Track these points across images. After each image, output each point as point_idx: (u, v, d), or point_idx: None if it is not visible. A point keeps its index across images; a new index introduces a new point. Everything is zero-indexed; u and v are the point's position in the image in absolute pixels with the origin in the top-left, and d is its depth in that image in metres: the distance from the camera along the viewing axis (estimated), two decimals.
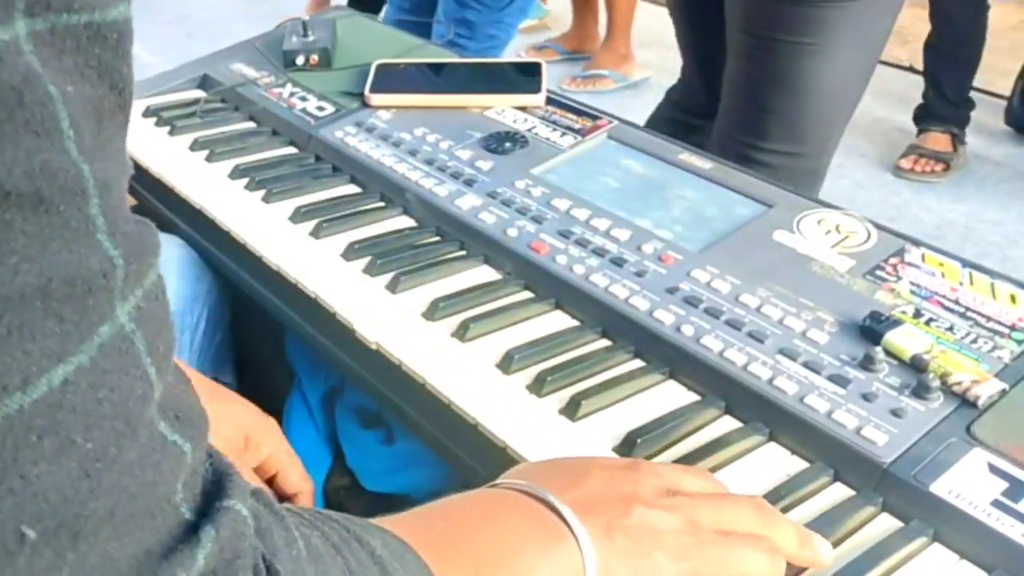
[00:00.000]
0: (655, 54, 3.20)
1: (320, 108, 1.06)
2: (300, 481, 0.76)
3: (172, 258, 0.88)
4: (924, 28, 2.66)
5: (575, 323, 0.75)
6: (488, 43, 2.14)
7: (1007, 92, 2.90)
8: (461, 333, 0.73)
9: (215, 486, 0.33)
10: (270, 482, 0.76)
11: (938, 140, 2.65)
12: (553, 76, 3.03)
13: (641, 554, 0.48)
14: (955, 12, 2.51)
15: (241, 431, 0.73)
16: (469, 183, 0.90)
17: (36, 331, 0.25)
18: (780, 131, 1.29)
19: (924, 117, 2.69)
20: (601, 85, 3.09)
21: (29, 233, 0.24)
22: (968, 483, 0.57)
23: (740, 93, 1.33)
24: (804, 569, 0.54)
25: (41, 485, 0.25)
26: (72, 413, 0.26)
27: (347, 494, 0.87)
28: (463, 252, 0.84)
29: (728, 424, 0.66)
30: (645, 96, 3.10)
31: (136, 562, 0.28)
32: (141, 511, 0.28)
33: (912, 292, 0.73)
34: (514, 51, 3.34)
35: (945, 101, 2.63)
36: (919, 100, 2.72)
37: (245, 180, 0.95)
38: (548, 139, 0.97)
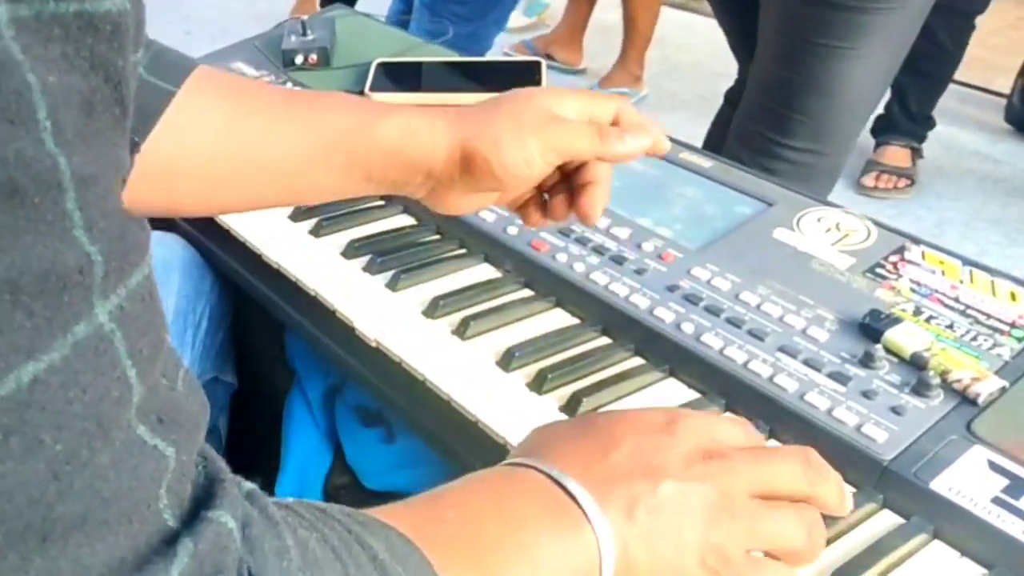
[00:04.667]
0: (656, 52, 3.20)
1: None
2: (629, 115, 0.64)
3: (174, 257, 0.88)
4: None
5: (575, 321, 0.75)
6: (437, 38, 2.13)
7: (1007, 90, 2.90)
8: (461, 331, 0.73)
9: (205, 492, 0.31)
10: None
11: (897, 154, 2.58)
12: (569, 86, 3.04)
13: (663, 535, 0.46)
14: (939, 28, 2.47)
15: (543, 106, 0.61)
16: None
17: (4, 326, 0.24)
18: (806, 131, 1.31)
19: (884, 129, 2.62)
20: None
21: (2, 224, 0.24)
22: (968, 480, 0.57)
23: (769, 92, 1.34)
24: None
25: (5, 485, 0.24)
26: (41, 412, 0.25)
27: (347, 492, 0.87)
28: (463, 250, 0.84)
29: None
30: (639, 104, 3.10)
31: (107, 570, 0.27)
32: (116, 516, 0.27)
33: (912, 290, 0.73)
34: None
35: (907, 115, 2.58)
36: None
37: None
38: None
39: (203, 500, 0.31)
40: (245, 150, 0.64)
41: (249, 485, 0.35)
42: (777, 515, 0.48)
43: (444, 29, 1.98)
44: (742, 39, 1.59)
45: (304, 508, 0.38)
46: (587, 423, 0.52)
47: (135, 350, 0.28)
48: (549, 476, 0.47)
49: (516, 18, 3.69)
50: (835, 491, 0.50)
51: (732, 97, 1.71)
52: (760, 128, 1.35)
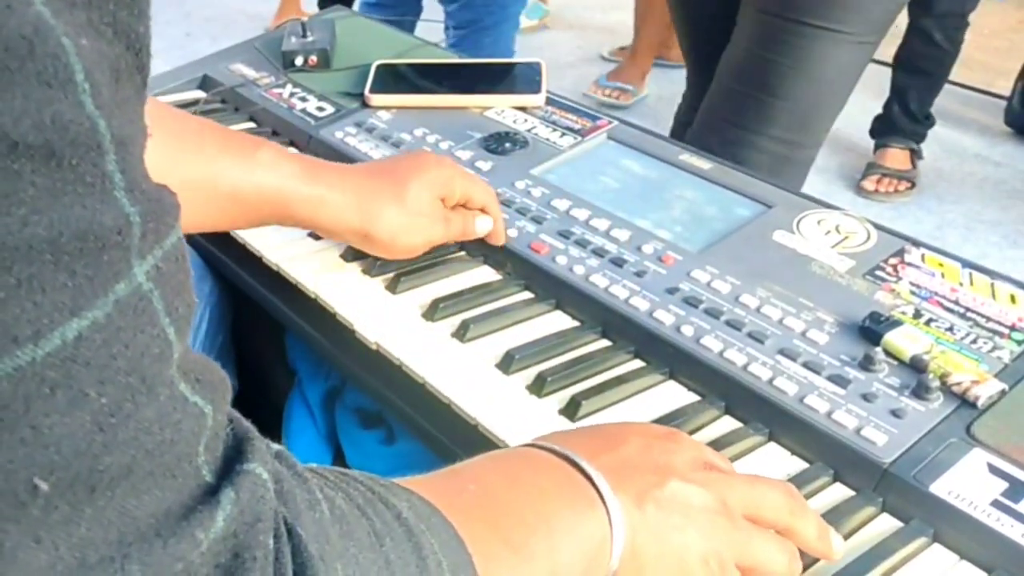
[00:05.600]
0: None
1: (320, 108, 1.06)
2: (484, 194, 0.81)
3: None
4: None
5: (575, 323, 0.75)
6: (471, 28, 2.14)
7: (1007, 92, 2.90)
8: (461, 333, 0.73)
9: (235, 450, 0.33)
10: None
11: (896, 157, 2.59)
12: (583, 77, 3.04)
13: (670, 528, 0.48)
14: (935, 30, 2.48)
15: (437, 202, 0.78)
16: None
17: (47, 284, 0.25)
18: (787, 118, 1.27)
19: (884, 131, 2.63)
20: (624, 99, 3.09)
21: (39, 185, 0.24)
22: (968, 483, 0.57)
23: (748, 78, 1.28)
24: (813, 563, 0.54)
25: (53, 437, 0.25)
26: (86, 367, 0.25)
27: None
28: (463, 252, 0.84)
29: (728, 424, 0.66)
30: (639, 104, 3.10)
31: (155, 520, 0.28)
32: (160, 469, 0.28)
33: (912, 292, 0.73)
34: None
35: (909, 115, 2.59)
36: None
37: None
38: (548, 139, 0.97)
39: (234, 456, 0.32)
40: (185, 190, 0.69)
41: (277, 446, 0.37)
42: (766, 537, 0.50)
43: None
44: (701, 62, 1.53)
45: (327, 471, 0.39)
46: (592, 426, 0.55)
47: (172, 308, 0.28)
48: (564, 457, 0.48)
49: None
50: (813, 528, 0.52)
51: (682, 118, 1.64)
52: (735, 117, 1.29)
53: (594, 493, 0.47)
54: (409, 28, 2.15)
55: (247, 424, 0.34)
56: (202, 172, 0.72)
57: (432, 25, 2.21)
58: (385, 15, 2.20)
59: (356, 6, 2.38)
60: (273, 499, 0.32)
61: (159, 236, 0.28)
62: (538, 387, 0.68)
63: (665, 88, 3.13)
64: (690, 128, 1.44)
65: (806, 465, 0.62)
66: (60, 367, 0.25)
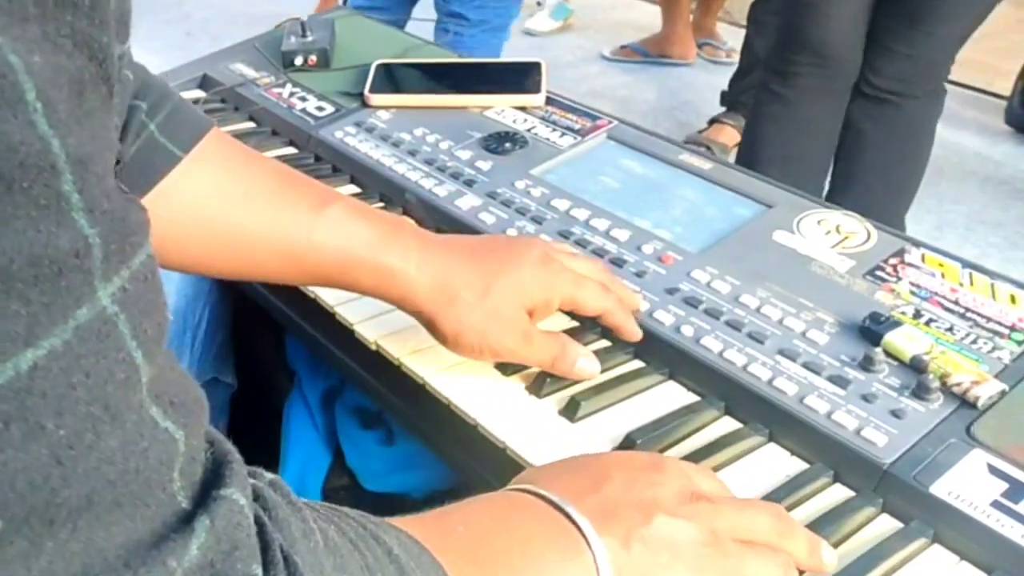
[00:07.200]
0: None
1: (320, 108, 1.06)
2: (599, 300, 0.69)
3: None
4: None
5: (574, 324, 0.75)
6: (481, 27, 2.15)
7: (1007, 92, 2.90)
8: None
9: (214, 474, 0.32)
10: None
11: (729, 133, 2.70)
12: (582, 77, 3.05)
13: (658, 567, 0.48)
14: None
15: (522, 310, 0.66)
16: (469, 183, 0.90)
17: None
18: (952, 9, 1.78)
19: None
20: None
21: None
22: (968, 484, 0.57)
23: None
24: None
25: (7, 472, 0.24)
26: (42, 398, 0.25)
27: (347, 494, 0.87)
28: None
29: (728, 425, 0.66)
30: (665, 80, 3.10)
31: (124, 551, 0.27)
32: (128, 499, 0.27)
33: (912, 293, 0.73)
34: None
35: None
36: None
37: None
38: (548, 139, 0.97)
39: (212, 481, 0.32)
40: (235, 236, 0.66)
41: (271, 475, 0.36)
42: (759, 557, 0.50)
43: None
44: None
45: (318, 505, 0.39)
46: (576, 461, 0.54)
47: (140, 331, 0.28)
48: (550, 502, 0.48)
49: (545, 22, 3.69)
50: (803, 547, 0.52)
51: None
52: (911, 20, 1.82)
53: (581, 538, 0.47)
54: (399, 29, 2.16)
55: (228, 446, 0.33)
56: (259, 222, 0.65)
57: (423, 25, 2.21)
58: (376, 16, 2.21)
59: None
60: (252, 526, 0.31)
61: (125, 256, 0.27)
62: (537, 388, 0.68)
63: (665, 88, 3.13)
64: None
65: (806, 466, 0.62)
66: (14, 399, 0.24)
